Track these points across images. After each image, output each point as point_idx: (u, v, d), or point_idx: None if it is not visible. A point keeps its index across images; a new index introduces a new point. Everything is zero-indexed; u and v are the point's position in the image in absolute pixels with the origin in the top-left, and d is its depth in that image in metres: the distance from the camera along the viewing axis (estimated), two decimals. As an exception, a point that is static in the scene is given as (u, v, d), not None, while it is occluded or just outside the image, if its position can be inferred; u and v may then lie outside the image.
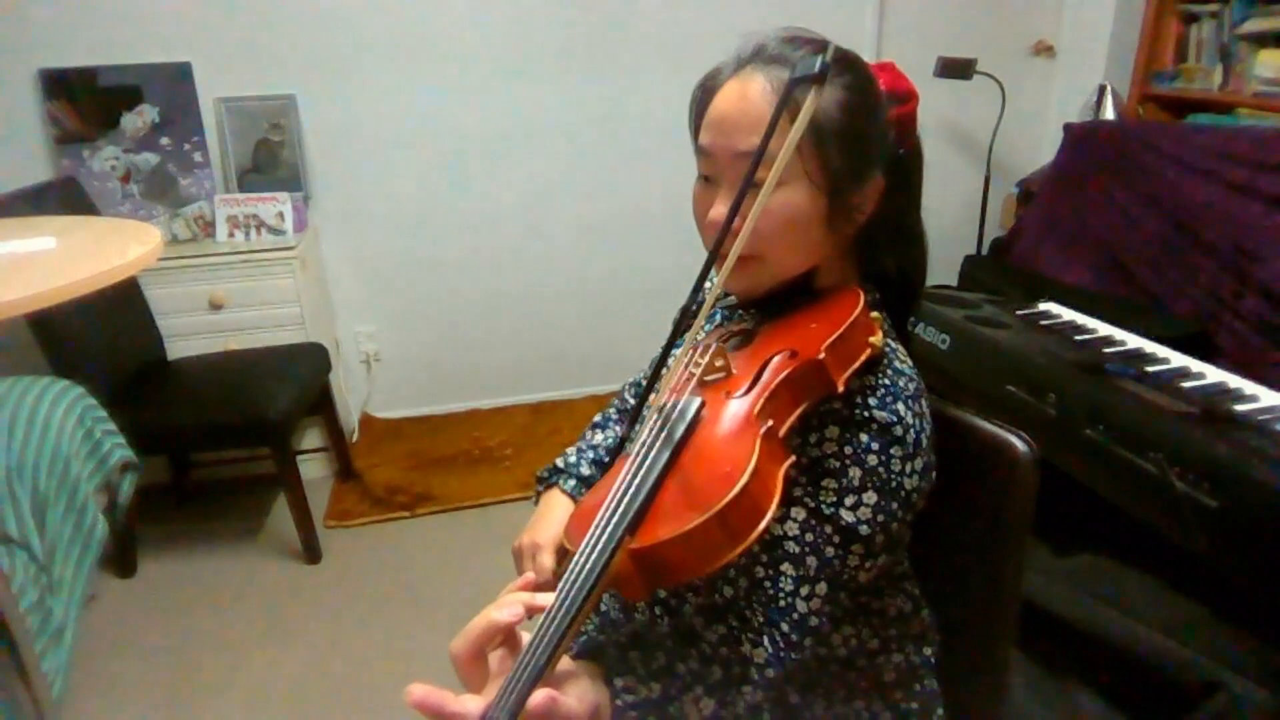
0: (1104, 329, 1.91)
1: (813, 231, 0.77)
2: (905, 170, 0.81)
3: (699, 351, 0.75)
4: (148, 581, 2.13)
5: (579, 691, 0.61)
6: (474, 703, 0.53)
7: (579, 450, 1.00)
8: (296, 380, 2.18)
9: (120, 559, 2.13)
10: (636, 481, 0.60)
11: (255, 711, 1.72)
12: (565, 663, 0.62)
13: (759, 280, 0.80)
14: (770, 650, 0.69)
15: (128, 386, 2.10)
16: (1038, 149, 3.06)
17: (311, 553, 2.18)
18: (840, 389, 0.68)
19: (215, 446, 2.33)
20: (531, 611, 0.58)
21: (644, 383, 0.99)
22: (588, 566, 0.56)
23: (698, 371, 0.72)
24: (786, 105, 0.68)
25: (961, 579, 0.91)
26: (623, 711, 0.63)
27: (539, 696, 0.52)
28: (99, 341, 2.07)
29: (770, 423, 0.62)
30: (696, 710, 0.66)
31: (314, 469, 2.54)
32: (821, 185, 0.75)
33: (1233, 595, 1.34)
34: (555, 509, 0.93)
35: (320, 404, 2.38)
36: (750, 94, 0.74)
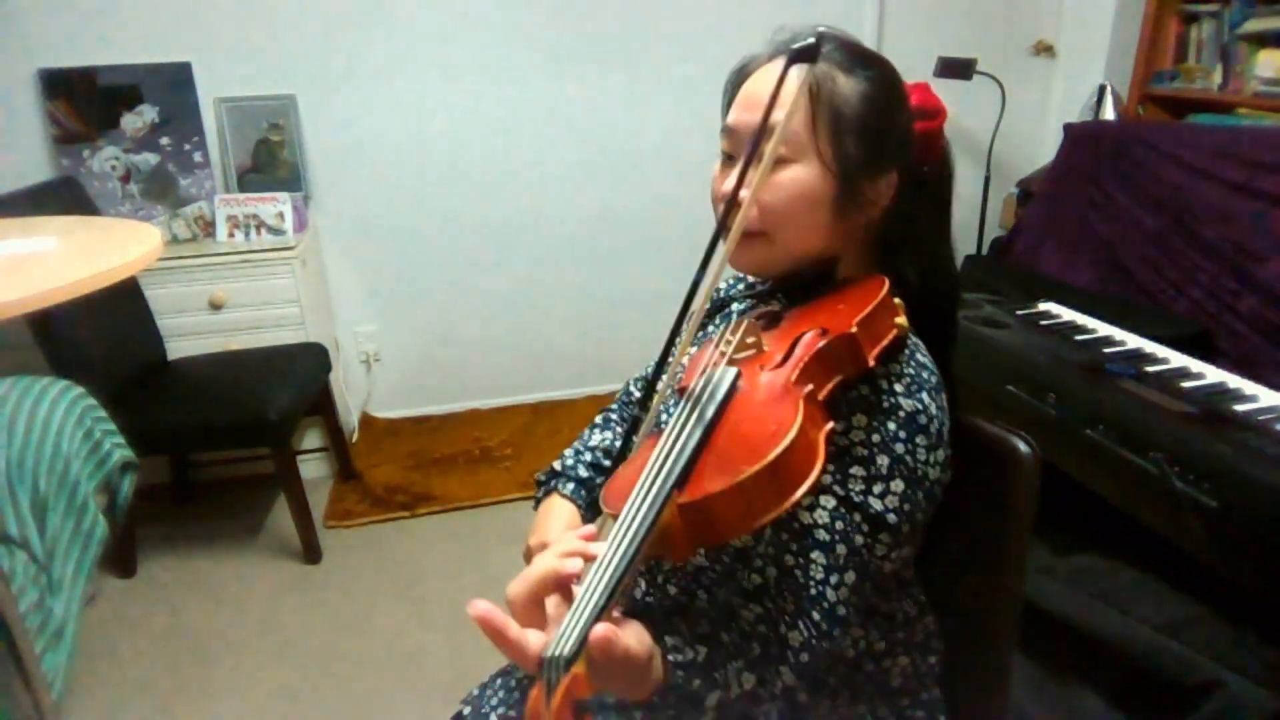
0: (1104, 329, 1.91)
1: (821, 213, 0.78)
2: (929, 185, 0.84)
3: (729, 329, 0.76)
4: (148, 581, 2.13)
5: (637, 633, 0.60)
6: (535, 636, 0.56)
7: (576, 452, 0.99)
8: (296, 380, 2.18)
9: (120, 559, 2.13)
10: (680, 443, 0.61)
11: (255, 711, 1.72)
12: (618, 615, 0.63)
13: (767, 258, 0.82)
14: (805, 635, 0.70)
15: (128, 386, 2.09)
16: (1038, 149, 3.06)
17: (311, 553, 2.17)
18: (871, 364, 0.69)
19: (215, 446, 2.33)
20: (589, 559, 0.59)
21: (649, 375, 0.99)
22: (638, 518, 0.56)
23: (729, 349, 0.73)
24: (782, 80, 0.73)
25: (962, 580, 0.91)
26: (672, 670, 0.64)
27: (600, 629, 0.52)
28: (99, 341, 2.07)
29: (810, 386, 0.62)
30: (738, 683, 0.67)
31: (314, 469, 2.54)
32: (833, 168, 0.77)
33: (1233, 595, 1.34)
34: (555, 513, 0.92)
35: (320, 404, 2.38)
36: (778, 76, 0.76)
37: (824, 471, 0.59)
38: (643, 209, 2.84)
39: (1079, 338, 1.87)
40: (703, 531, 0.57)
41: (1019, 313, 2.02)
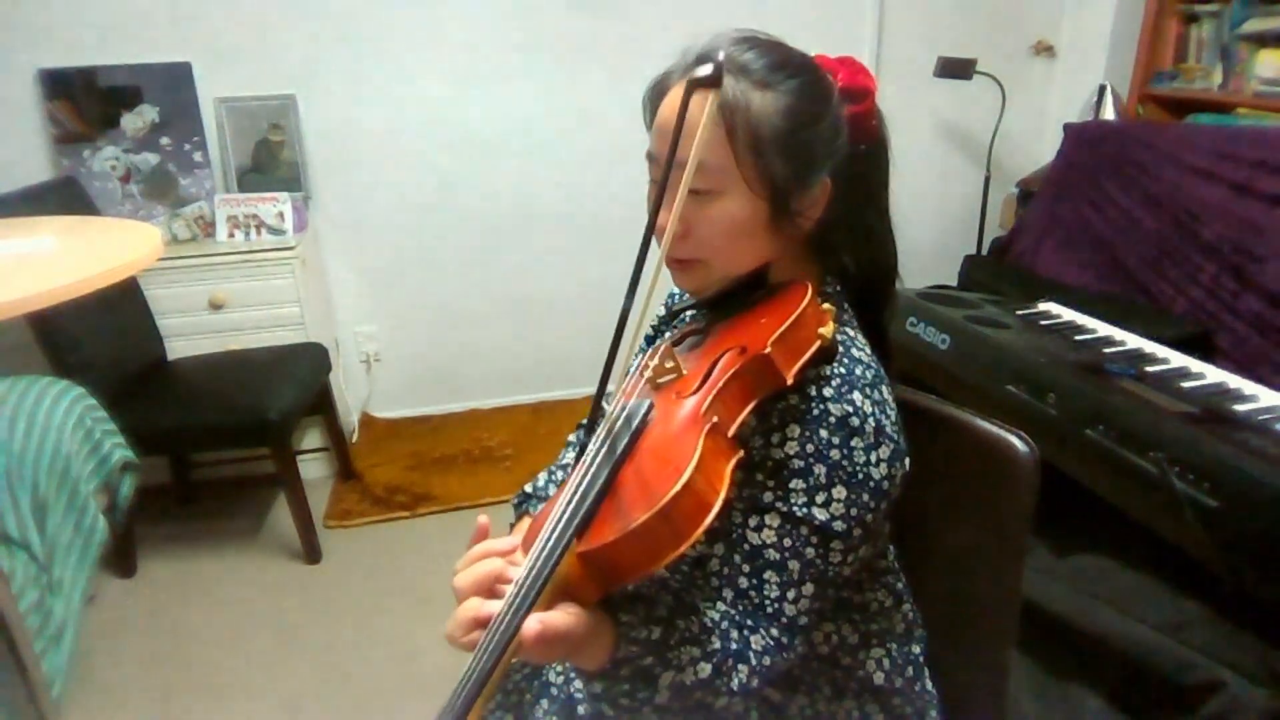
0: (1104, 329, 1.91)
1: (756, 237, 0.78)
2: (863, 169, 0.80)
3: (649, 354, 0.75)
4: (148, 581, 2.13)
5: (565, 607, 0.60)
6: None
7: (549, 472, 1.00)
8: (296, 380, 2.18)
9: (120, 559, 2.13)
10: (585, 486, 0.61)
11: (255, 711, 1.72)
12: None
13: (708, 279, 0.81)
14: (766, 643, 0.70)
15: (128, 386, 2.09)
16: (1038, 149, 3.06)
17: (311, 553, 2.17)
18: (790, 381, 0.68)
19: (215, 446, 2.33)
20: (481, 624, 0.61)
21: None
22: (534, 571, 0.57)
23: (649, 374, 0.72)
24: (687, 110, 0.65)
25: (961, 579, 0.91)
26: (623, 645, 0.63)
27: (532, 621, 0.54)
28: (99, 341, 2.07)
29: (716, 419, 0.62)
30: (693, 670, 0.66)
31: (314, 469, 2.54)
32: (762, 193, 0.75)
33: (1233, 595, 1.34)
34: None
35: (320, 404, 2.38)
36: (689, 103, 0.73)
37: (728, 502, 0.59)
38: (643, 209, 2.84)
39: (1079, 338, 1.87)
40: (606, 576, 0.58)
41: (1019, 313, 2.02)
